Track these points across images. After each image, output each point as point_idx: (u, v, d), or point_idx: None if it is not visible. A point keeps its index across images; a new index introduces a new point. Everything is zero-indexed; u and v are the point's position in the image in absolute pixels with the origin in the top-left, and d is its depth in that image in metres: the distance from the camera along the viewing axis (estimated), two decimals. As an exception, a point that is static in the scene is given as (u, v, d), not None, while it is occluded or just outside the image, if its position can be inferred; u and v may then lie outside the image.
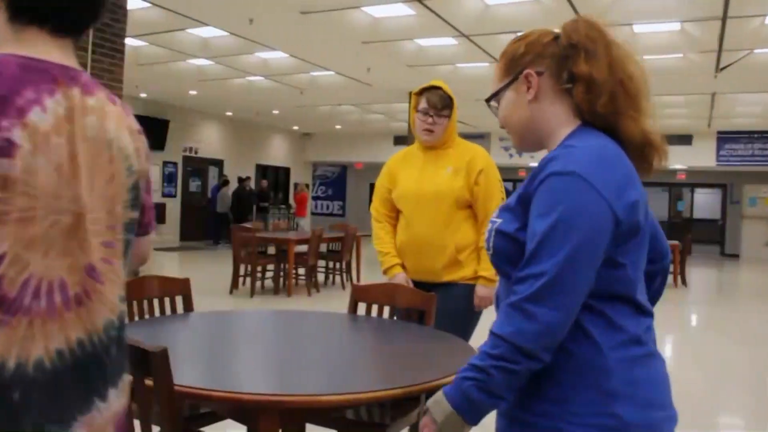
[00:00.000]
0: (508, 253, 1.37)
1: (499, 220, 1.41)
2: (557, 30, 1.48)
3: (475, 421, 1.30)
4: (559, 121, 1.45)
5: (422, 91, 3.13)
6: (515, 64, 1.49)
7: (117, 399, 1.29)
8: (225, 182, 18.48)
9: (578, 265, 1.24)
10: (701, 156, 18.43)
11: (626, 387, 1.28)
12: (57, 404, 1.19)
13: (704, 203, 24.50)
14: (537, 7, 8.34)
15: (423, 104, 3.09)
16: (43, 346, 1.15)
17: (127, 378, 1.35)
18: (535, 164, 1.49)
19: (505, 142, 20.04)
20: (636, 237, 1.33)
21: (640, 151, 1.42)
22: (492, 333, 1.29)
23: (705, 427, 4.54)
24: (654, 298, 1.52)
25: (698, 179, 21.30)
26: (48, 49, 1.23)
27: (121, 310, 1.31)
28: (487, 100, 1.57)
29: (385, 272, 3.21)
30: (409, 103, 4.03)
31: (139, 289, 2.85)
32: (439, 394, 1.33)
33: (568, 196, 1.27)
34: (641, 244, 1.36)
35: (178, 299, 3.01)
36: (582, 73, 1.39)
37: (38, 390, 1.14)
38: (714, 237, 21.99)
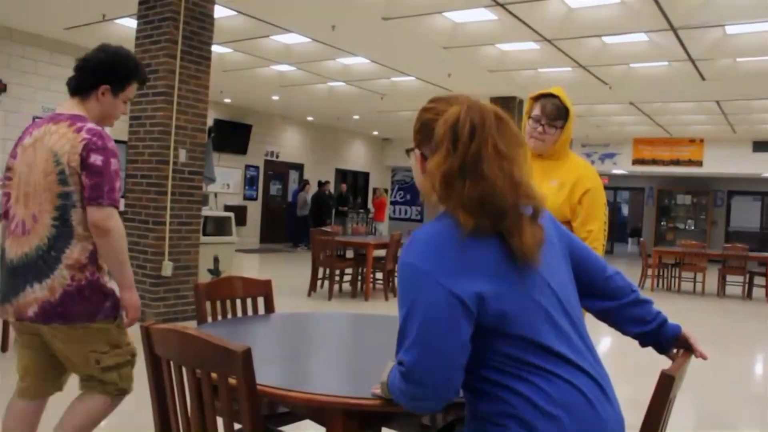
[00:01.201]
0: None
1: None
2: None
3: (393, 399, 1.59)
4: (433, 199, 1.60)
5: (539, 97, 2.99)
6: (415, 137, 1.68)
7: (40, 290, 2.45)
8: (304, 186, 18.75)
9: (426, 345, 1.45)
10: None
11: None
12: (13, 282, 2.51)
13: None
14: (622, 9, 8.12)
15: (536, 111, 2.95)
16: (16, 251, 2.51)
17: (50, 280, 2.44)
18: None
19: (587, 149, 19.64)
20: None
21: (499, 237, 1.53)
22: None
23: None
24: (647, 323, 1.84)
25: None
26: (68, 105, 2.62)
27: (49, 239, 2.45)
28: (407, 150, 1.75)
29: None
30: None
31: (224, 288, 2.93)
32: (391, 364, 1.60)
33: (411, 287, 1.49)
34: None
35: (260, 300, 3.07)
36: (429, 169, 1.55)
37: (10, 272, 2.52)
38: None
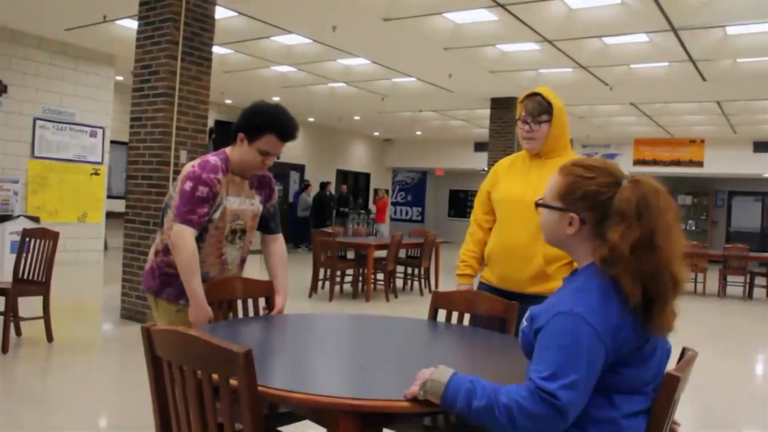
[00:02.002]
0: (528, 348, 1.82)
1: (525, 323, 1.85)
2: (624, 180, 1.75)
3: (445, 401, 1.66)
4: (584, 253, 1.81)
5: (523, 99, 3.08)
6: (569, 198, 1.80)
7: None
8: (305, 187, 18.75)
9: (586, 391, 1.64)
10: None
11: None
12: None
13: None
14: (622, 10, 8.13)
15: (522, 112, 3.05)
16: None
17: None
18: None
19: (588, 149, 19.65)
20: None
21: (645, 312, 1.68)
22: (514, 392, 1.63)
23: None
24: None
25: (795, 189, 20.38)
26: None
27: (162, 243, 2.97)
28: (537, 205, 1.92)
29: (457, 276, 3.30)
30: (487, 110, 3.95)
31: (224, 289, 2.94)
32: (451, 371, 1.69)
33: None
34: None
35: (261, 301, 3.07)
36: (610, 241, 1.67)
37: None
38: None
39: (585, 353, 1.60)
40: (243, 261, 3.15)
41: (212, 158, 2.88)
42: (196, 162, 2.88)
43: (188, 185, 2.80)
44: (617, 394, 1.69)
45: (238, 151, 2.90)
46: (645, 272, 1.65)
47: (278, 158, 2.90)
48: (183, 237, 2.74)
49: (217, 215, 2.88)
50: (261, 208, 3.10)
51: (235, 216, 2.95)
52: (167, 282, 2.94)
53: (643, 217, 1.67)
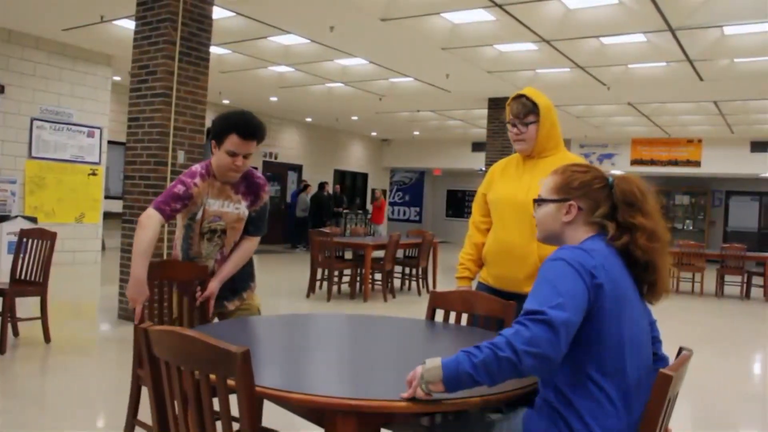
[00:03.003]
0: None
1: None
2: (610, 177, 2.02)
3: (448, 379, 1.68)
4: (578, 238, 2.00)
5: (509, 103, 3.11)
6: (566, 189, 2.02)
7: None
8: (305, 187, 18.75)
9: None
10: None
11: None
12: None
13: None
14: (620, 10, 8.14)
15: (509, 115, 3.08)
16: None
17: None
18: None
19: (585, 149, 19.67)
20: None
21: (647, 275, 1.95)
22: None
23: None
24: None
25: (792, 188, 20.40)
26: None
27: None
28: (535, 201, 2.11)
29: (456, 279, 3.34)
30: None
31: (162, 271, 3.18)
32: (438, 357, 1.73)
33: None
34: None
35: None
36: (645, 226, 1.91)
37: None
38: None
39: (565, 282, 1.77)
40: (224, 258, 3.37)
41: (197, 166, 3.27)
42: (191, 168, 3.30)
43: (173, 183, 3.20)
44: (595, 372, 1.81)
45: (215, 158, 3.19)
46: (666, 248, 1.97)
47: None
48: (150, 219, 3.06)
49: (198, 215, 3.24)
50: (246, 212, 3.35)
51: (215, 216, 3.27)
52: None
53: (647, 203, 1.95)
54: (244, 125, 3.10)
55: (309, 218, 17.81)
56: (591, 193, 2.00)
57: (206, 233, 3.29)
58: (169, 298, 3.23)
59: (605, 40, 9.71)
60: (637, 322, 1.88)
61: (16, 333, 5.80)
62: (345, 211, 20.16)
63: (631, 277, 1.92)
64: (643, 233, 1.90)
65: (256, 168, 3.26)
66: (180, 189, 3.15)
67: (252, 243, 3.44)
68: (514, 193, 3.03)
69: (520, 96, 3.07)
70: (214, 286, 3.27)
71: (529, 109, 3.02)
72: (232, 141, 3.08)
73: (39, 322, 5.70)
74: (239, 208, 3.31)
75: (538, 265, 2.92)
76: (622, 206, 1.94)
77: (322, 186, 18.36)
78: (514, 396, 1.89)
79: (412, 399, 1.72)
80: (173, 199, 3.13)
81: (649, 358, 1.94)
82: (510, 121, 3.07)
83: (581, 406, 1.78)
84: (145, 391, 2.94)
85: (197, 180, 3.19)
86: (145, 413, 2.93)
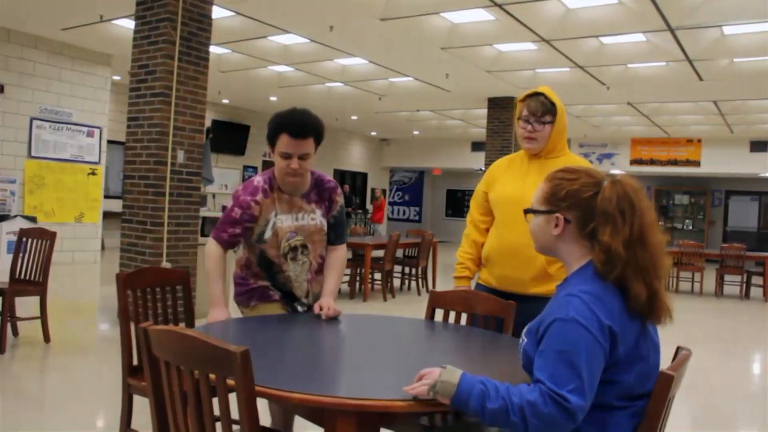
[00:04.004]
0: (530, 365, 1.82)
1: (525, 340, 1.88)
2: (604, 181, 1.83)
3: (457, 402, 1.69)
4: (574, 257, 1.88)
5: (525, 98, 3.04)
6: (553, 200, 1.88)
7: None
8: None
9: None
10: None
11: None
12: None
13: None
14: (619, 9, 8.14)
15: (524, 112, 3.00)
16: None
17: None
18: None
19: (585, 149, 19.67)
20: None
21: (648, 306, 1.75)
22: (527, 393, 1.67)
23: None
24: None
25: (792, 188, 20.41)
26: None
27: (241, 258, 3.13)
28: (525, 211, 1.99)
29: (454, 279, 3.28)
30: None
31: (141, 278, 3.08)
32: (460, 371, 1.72)
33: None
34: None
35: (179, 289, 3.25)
36: (603, 242, 1.75)
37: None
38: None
39: (584, 357, 1.66)
40: (319, 269, 3.16)
41: (258, 178, 3.03)
42: (247, 180, 3.09)
43: (229, 204, 3.02)
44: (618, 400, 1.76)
45: (275, 165, 2.98)
46: (643, 267, 1.74)
47: (304, 159, 2.86)
48: (209, 248, 2.98)
49: (268, 235, 2.98)
50: (324, 222, 3.11)
51: (291, 233, 3.00)
52: (238, 291, 3.16)
53: (627, 214, 1.75)
54: (291, 123, 2.88)
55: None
56: (579, 203, 1.84)
57: (288, 253, 3.01)
58: (153, 305, 3.10)
59: (605, 40, 9.71)
60: (648, 354, 1.80)
61: (15, 332, 5.80)
62: (352, 211, 20.14)
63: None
64: (600, 250, 1.76)
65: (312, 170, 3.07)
66: (237, 212, 2.93)
67: (341, 252, 3.21)
68: (521, 193, 2.95)
69: (538, 94, 3.01)
70: (326, 302, 2.92)
71: (547, 109, 2.97)
72: (283, 141, 2.86)
73: (38, 321, 5.70)
74: (315, 218, 3.07)
75: (544, 267, 2.90)
76: (600, 218, 1.78)
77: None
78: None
79: (414, 398, 1.72)
80: (230, 224, 2.95)
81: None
82: (524, 117, 2.99)
83: (586, 419, 1.74)
84: (137, 399, 2.93)
85: (259, 197, 2.95)
86: (138, 422, 2.96)
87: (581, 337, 1.67)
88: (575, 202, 1.85)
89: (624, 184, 1.79)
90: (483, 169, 15.76)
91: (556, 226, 1.88)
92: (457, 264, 3.26)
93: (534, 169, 3.01)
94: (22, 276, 5.58)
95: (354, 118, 18.95)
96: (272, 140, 2.92)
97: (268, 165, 18.90)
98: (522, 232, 2.95)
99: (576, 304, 1.72)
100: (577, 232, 1.85)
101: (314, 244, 3.08)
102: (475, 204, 3.26)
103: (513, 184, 3.05)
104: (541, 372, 1.69)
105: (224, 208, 2.93)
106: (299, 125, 2.88)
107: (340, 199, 3.21)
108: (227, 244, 2.97)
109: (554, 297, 1.86)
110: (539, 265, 2.90)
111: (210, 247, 2.99)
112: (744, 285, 12.08)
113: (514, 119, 3.10)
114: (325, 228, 3.11)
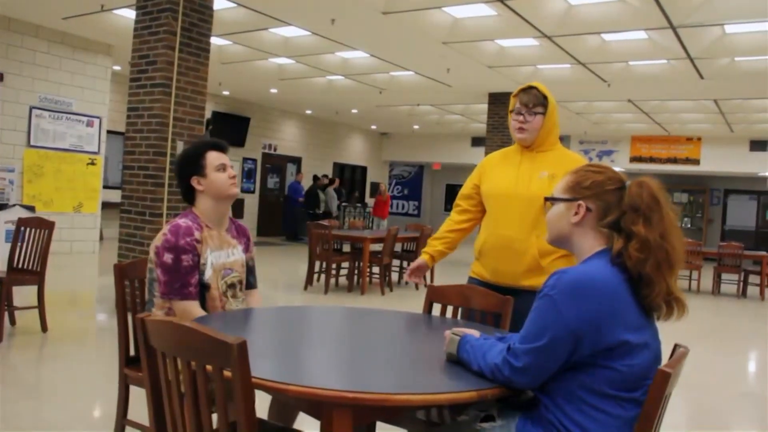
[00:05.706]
0: None
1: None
2: (626, 181, 1.93)
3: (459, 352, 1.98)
4: (588, 245, 1.94)
5: (518, 93, 3.10)
6: (577, 189, 1.96)
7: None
8: (331, 182, 18.78)
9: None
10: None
11: None
12: None
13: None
14: (621, 7, 8.12)
15: (517, 104, 3.06)
16: None
17: None
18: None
19: (585, 146, 19.67)
20: None
21: (666, 303, 1.83)
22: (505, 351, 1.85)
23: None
24: None
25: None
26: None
27: None
28: (546, 199, 2.06)
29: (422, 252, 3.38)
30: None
31: (140, 269, 3.03)
32: (457, 339, 2.02)
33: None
34: None
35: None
36: (640, 234, 1.79)
37: None
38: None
39: (549, 330, 1.76)
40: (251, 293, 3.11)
41: (181, 221, 2.78)
42: (166, 229, 2.76)
43: (168, 257, 2.69)
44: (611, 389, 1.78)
45: (205, 196, 2.87)
46: (671, 264, 1.81)
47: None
48: (191, 314, 2.64)
49: (207, 275, 2.79)
50: (244, 257, 3.03)
51: (226, 270, 2.89)
52: None
53: (655, 212, 1.82)
54: (212, 142, 2.94)
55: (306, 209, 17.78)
56: (602, 195, 1.92)
57: (226, 291, 2.88)
58: (141, 301, 3.01)
59: (606, 37, 9.70)
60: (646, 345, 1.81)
61: (13, 322, 5.80)
62: (341, 204, 20.19)
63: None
64: (637, 241, 1.79)
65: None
66: (188, 259, 2.71)
67: (258, 296, 3.11)
68: (514, 186, 3.01)
69: (530, 87, 3.07)
70: None
71: (539, 101, 3.02)
72: (213, 156, 2.87)
73: (36, 311, 5.70)
74: (238, 253, 2.98)
75: (537, 259, 2.93)
76: (629, 211, 1.84)
77: (316, 179, 18.42)
78: (509, 393, 1.89)
79: (408, 393, 1.73)
80: (190, 274, 2.72)
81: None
82: (516, 109, 3.05)
83: (578, 418, 1.77)
84: (134, 390, 2.93)
85: (197, 234, 2.77)
86: (135, 413, 2.96)
87: (552, 317, 1.78)
88: (599, 192, 1.92)
89: (651, 183, 1.88)
90: (482, 164, 15.75)
91: (576, 213, 1.94)
92: (432, 239, 3.37)
93: (526, 161, 3.06)
94: (20, 265, 5.58)
95: (354, 111, 18.93)
96: (199, 164, 2.86)
97: (267, 158, 18.90)
98: (515, 224, 2.98)
99: (565, 276, 1.82)
100: (595, 221, 1.92)
101: (243, 281, 3.01)
102: (461, 193, 3.32)
103: (506, 178, 3.08)
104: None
105: (166, 265, 2.70)
106: (219, 142, 2.97)
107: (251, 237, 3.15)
108: (197, 296, 2.74)
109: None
110: (532, 257, 2.93)
111: (192, 311, 2.68)
112: (741, 283, 12.10)
113: (508, 114, 3.14)
114: (245, 265, 3.03)
